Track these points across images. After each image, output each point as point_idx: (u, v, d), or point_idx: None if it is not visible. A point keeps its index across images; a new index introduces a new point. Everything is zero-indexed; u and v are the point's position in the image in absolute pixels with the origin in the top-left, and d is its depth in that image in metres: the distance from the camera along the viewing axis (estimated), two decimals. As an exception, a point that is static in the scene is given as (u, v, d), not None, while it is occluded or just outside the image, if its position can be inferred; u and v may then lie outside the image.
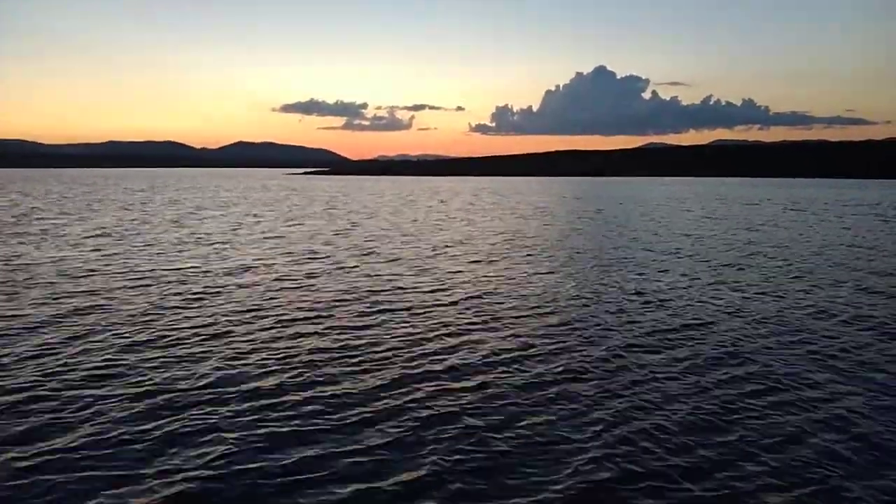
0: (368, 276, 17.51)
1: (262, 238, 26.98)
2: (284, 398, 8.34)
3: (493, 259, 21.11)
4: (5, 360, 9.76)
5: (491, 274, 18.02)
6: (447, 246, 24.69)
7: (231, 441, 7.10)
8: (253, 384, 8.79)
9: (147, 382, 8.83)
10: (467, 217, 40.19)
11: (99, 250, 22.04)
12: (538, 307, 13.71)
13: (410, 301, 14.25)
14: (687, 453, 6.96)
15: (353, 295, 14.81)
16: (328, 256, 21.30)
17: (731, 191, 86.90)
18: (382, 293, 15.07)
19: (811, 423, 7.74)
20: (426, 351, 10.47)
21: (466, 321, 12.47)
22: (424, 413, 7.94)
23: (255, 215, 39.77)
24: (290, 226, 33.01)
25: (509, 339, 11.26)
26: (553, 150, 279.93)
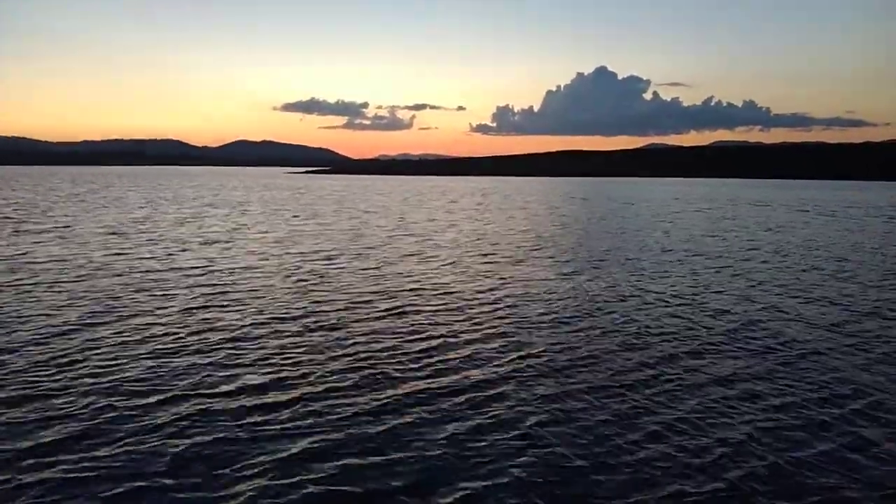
0: (416, 276, 17.78)
1: (308, 240, 27.39)
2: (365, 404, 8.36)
3: (525, 260, 21.07)
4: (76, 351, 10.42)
5: (527, 276, 18.04)
6: (477, 243, 25.39)
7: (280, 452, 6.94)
8: (351, 397, 8.54)
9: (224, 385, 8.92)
10: (486, 217, 40.47)
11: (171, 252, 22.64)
12: (578, 310, 13.73)
13: (453, 301, 14.65)
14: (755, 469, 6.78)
15: (412, 294, 15.30)
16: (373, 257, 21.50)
17: (736, 192, 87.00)
18: (433, 293, 15.62)
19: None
20: (484, 355, 10.57)
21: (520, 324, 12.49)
22: (483, 419, 7.95)
23: (294, 215, 39.40)
24: (326, 229, 32.98)
25: (554, 341, 11.34)
26: (554, 150, 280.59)
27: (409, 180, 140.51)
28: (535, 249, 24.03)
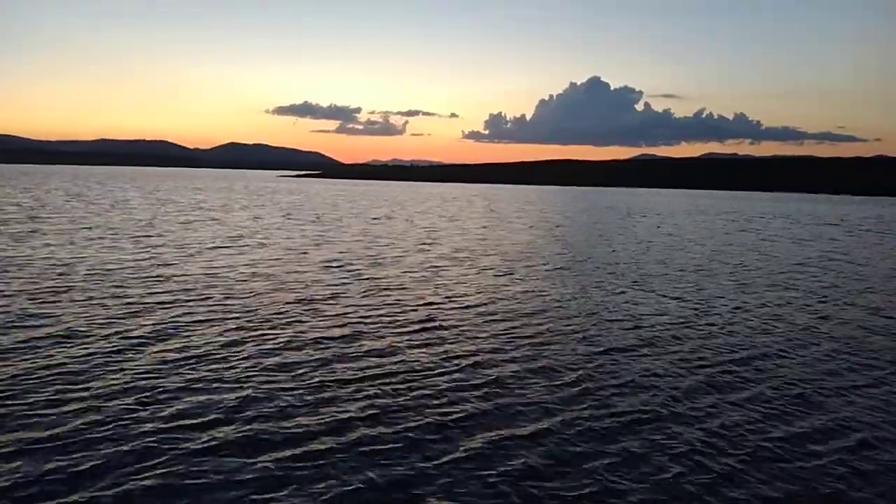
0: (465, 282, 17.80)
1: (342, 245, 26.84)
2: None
3: (567, 270, 20.86)
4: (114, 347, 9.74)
5: (576, 287, 17.74)
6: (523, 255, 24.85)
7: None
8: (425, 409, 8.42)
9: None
10: (505, 226, 39.83)
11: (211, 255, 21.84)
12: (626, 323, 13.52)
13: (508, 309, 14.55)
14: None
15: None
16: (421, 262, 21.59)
17: (729, 205, 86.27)
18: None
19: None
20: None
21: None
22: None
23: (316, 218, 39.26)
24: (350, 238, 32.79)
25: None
26: (546, 159, 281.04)
27: (406, 186, 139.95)
28: (576, 262, 23.42)
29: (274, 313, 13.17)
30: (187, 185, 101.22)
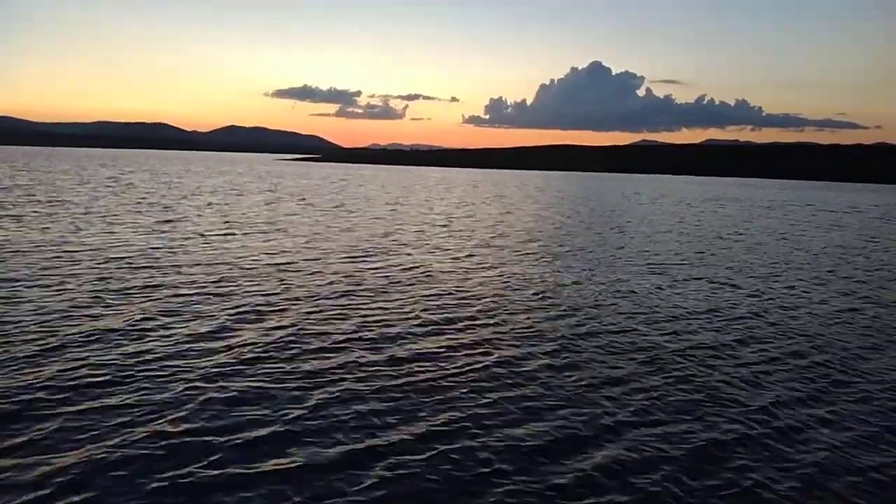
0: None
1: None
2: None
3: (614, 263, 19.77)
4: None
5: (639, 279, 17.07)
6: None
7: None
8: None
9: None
10: (528, 211, 39.62)
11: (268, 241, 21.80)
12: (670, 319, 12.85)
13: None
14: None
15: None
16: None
17: (742, 192, 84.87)
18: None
19: None
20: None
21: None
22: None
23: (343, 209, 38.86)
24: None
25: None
26: (546, 144, 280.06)
27: (405, 171, 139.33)
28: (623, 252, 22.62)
29: (339, 301, 12.98)
30: (190, 168, 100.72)
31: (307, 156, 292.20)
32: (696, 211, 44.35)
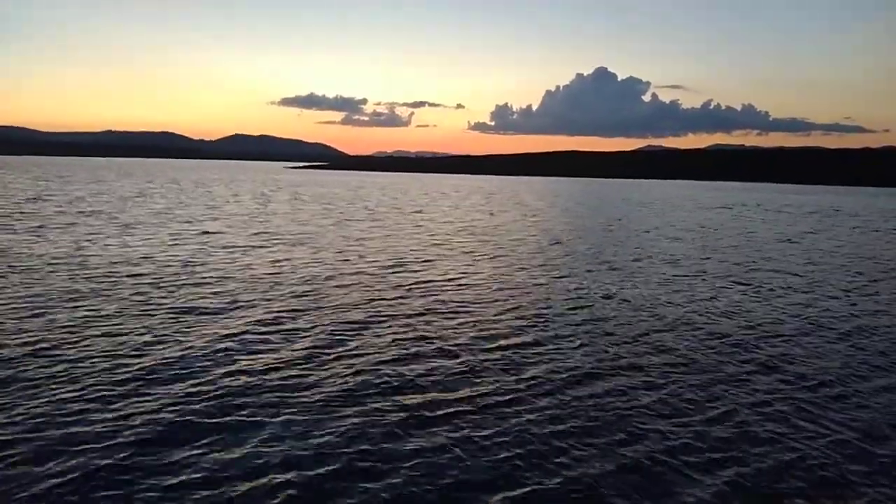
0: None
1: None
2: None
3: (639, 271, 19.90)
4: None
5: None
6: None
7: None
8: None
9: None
10: (552, 220, 39.93)
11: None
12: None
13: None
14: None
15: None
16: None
17: (759, 197, 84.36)
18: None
19: None
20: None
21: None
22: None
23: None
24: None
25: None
26: (552, 150, 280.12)
27: (413, 178, 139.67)
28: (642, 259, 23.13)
29: (387, 310, 13.19)
30: (207, 176, 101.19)
31: (314, 164, 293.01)
32: (747, 219, 44.27)
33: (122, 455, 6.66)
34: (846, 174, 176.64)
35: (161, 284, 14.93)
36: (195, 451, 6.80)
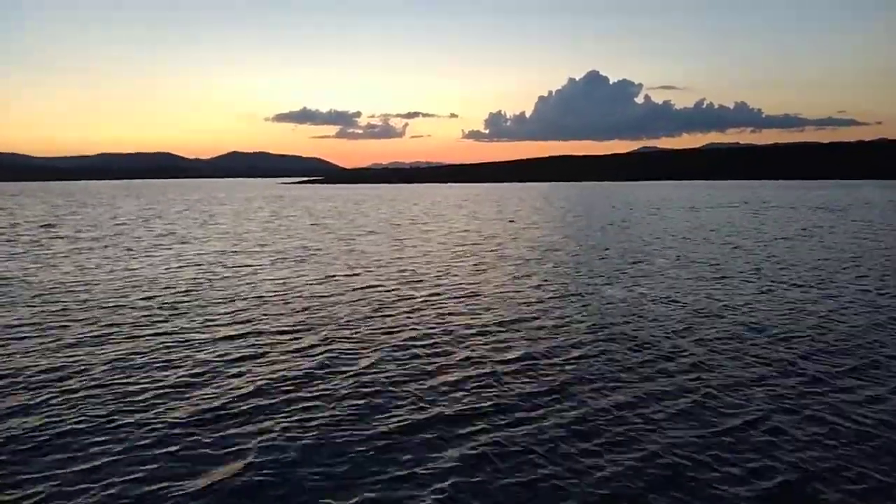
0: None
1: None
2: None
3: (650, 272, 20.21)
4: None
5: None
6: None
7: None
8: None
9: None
10: (564, 227, 39.97)
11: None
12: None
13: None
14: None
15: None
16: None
17: (744, 194, 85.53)
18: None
19: None
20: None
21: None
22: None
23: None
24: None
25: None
26: (547, 156, 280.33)
27: (410, 189, 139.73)
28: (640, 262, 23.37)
29: (417, 328, 13.17)
30: (213, 196, 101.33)
31: (310, 178, 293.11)
32: (768, 219, 44.43)
33: (137, 473, 6.78)
34: (840, 168, 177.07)
35: (180, 304, 15.10)
36: (212, 467, 6.84)
